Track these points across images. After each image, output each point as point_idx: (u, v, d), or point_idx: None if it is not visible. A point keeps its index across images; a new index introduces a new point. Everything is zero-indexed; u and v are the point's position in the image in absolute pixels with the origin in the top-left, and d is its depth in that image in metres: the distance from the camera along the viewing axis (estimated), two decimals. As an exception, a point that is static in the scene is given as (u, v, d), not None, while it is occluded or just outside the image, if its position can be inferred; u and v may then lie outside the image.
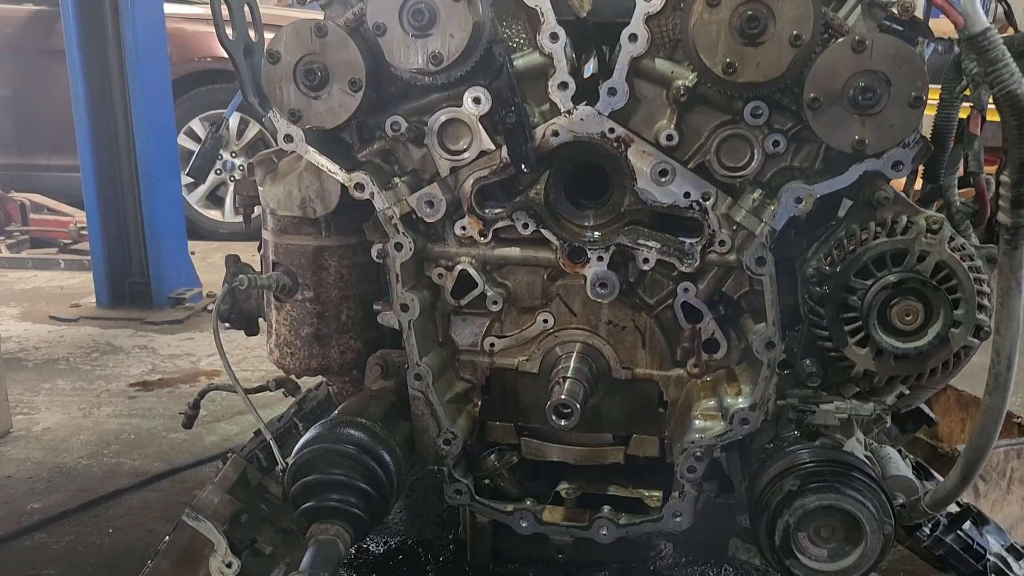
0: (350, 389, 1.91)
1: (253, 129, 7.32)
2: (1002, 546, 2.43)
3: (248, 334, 2.39)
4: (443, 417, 1.61)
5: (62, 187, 7.13)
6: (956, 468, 1.45)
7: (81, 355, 4.82)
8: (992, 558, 2.39)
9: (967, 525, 2.32)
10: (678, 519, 1.57)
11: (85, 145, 5.41)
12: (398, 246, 1.55)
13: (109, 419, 3.96)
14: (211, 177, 7.68)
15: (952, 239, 1.34)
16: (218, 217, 7.67)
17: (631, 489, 1.72)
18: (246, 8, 1.68)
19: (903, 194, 1.39)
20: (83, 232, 6.85)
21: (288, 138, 1.52)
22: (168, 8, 5.60)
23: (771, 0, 1.31)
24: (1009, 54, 1.16)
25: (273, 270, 1.81)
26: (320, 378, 2.57)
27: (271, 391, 2.84)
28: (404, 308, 1.57)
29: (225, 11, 1.58)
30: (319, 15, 1.54)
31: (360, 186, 1.53)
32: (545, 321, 1.65)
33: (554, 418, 1.50)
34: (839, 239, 1.39)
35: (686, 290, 1.57)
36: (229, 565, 1.40)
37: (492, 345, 1.68)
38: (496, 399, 1.73)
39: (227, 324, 2.30)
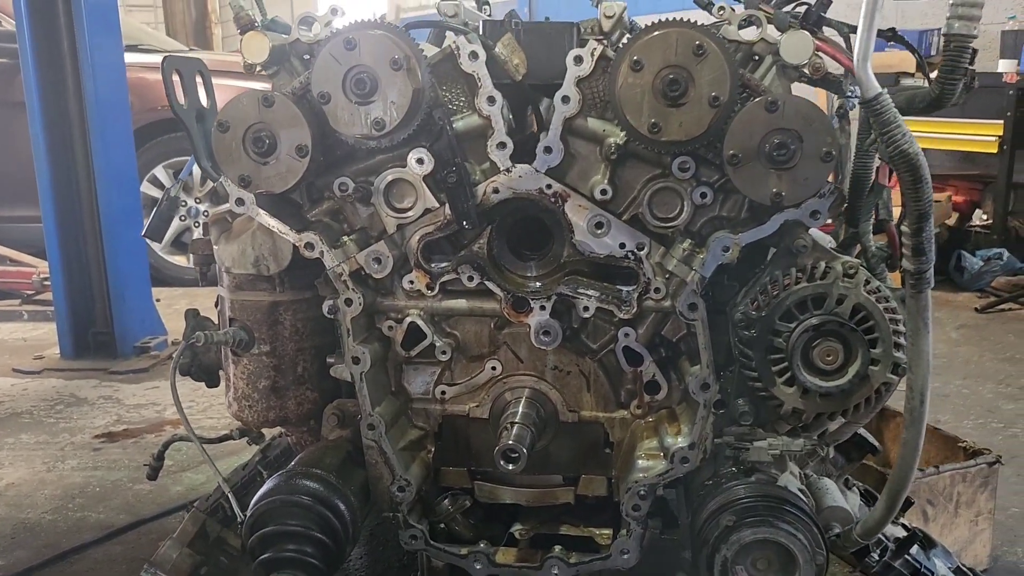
0: (308, 439, 1.96)
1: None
2: (949, 568, 2.52)
3: (209, 386, 2.43)
4: (397, 465, 1.66)
5: (24, 238, 7.11)
6: (882, 499, 1.53)
7: (45, 408, 4.80)
8: (939, 581, 2.47)
9: (914, 549, 2.40)
10: (625, 556, 1.64)
11: (47, 195, 5.42)
12: (348, 302, 1.61)
13: (74, 472, 3.95)
14: (175, 223, 7.70)
15: (868, 282, 1.43)
16: (183, 263, 7.67)
17: (582, 528, 1.78)
18: (197, 76, 1.75)
19: (823, 241, 1.48)
20: (46, 283, 6.82)
21: (240, 201, 1.58)
22: (129, 58, 5.65)
23: (690, 64, 1.40)
24: (899, 116, 1.25)
25: (230, 325, 1.86)
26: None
27: (235, 439, 2.87)
28: (356, 361, 1.63)
29: (176, 79, 1.65)
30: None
31: (310, 246, 1.59)
32: (493, 368, 1.72)
33: (502, 463, 1.55)
34: (764, 284, 1.47)
35: (627, 335, 1.64)
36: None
37: (443, 393, 1.74)
38: (449, 445, 1.78)
39: (188, 376, 2.34)
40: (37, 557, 3.20)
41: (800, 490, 1.54)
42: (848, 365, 1.42)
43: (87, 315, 5.60)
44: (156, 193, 7.33)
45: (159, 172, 7.46)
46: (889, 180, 1.49)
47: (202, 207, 6.80)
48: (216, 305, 1.96)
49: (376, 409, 1.65)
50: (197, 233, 1.91)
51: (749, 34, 1.48)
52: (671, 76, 1.40)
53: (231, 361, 1.89)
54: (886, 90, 1.26)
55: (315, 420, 1.91)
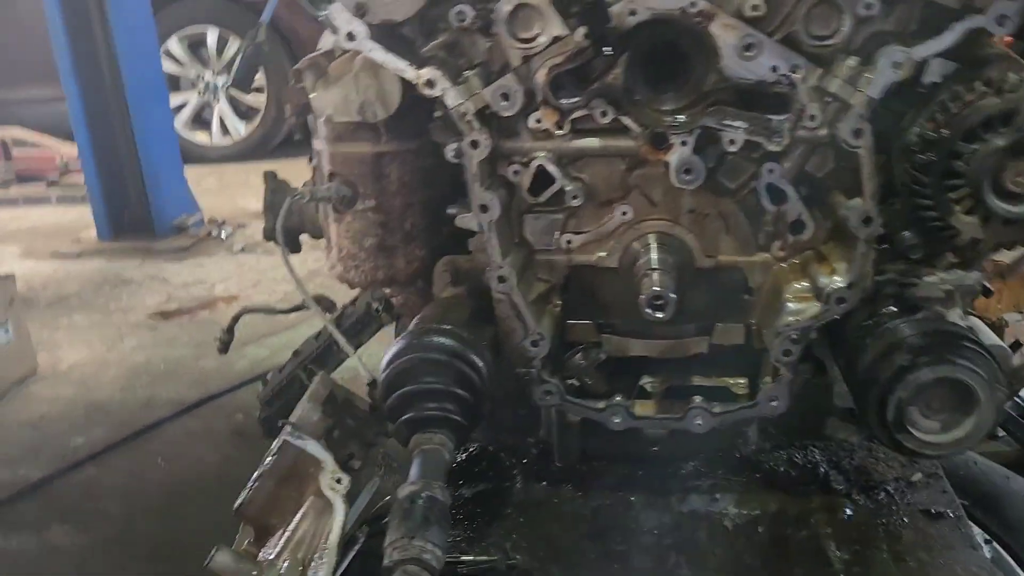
0: (415, 300, 1.87)
1: (233, 46, 7.10)
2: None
3: (291, 251, 2.33)
4: (529, 318, 1.57)
5: (44, 120, 6.92)
6: None
7: (92, 289, 4.75)
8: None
9: (1022, 392, 2.34)
10: (774, 403, 1.56)
11: (68, 73, 5.22)
12: (474, 144, 1.48)
13: (135, 351, 3.94)
14: (195, 99, 7.48)
15: (1064, 94, 1.29)
16: (205, 140, 7.51)
17: (715, 378, 1.71)
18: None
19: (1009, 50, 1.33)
20: (70, 165, 6.69)
21: (351, 36, 1.43)
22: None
23: None
24: None
25: (330, 180, 1.74)
26: (355, 293, 2.53)
27: (307, 309, 2.80)
28: (484, 209, 1.51)
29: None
30: None
31: (431, 82, 1.45)
32: (624, 214, 1.60)
33: (649, 311, 1.46)
34: (942, 102, 1.33)
35: (771, 171, 1.51)
36: (339, 481, 1.38)
37: (569, 242, 1.63)
38: (575, 298, 1.69)
39: (272, 241, 2.24)
40: (116, 434, 3.21)
41: (968, 327, 1.45)
42: (1047, 183, 1.29)
43: (121, 196, 5.49)
44: (171, 68, 7.08)
45: (172, 44, 7.18)
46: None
47: (220, 81, 6.63)
48: (310, 160, 1.84)
49: (506, 259, 1.55)
50: (291, 83, 1.76)
51: None
52: None
53: (332, 220, 1.77)
54: None
55: (424, 279, 1.82)
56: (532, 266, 1.67)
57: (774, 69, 1.42)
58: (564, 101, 1.50)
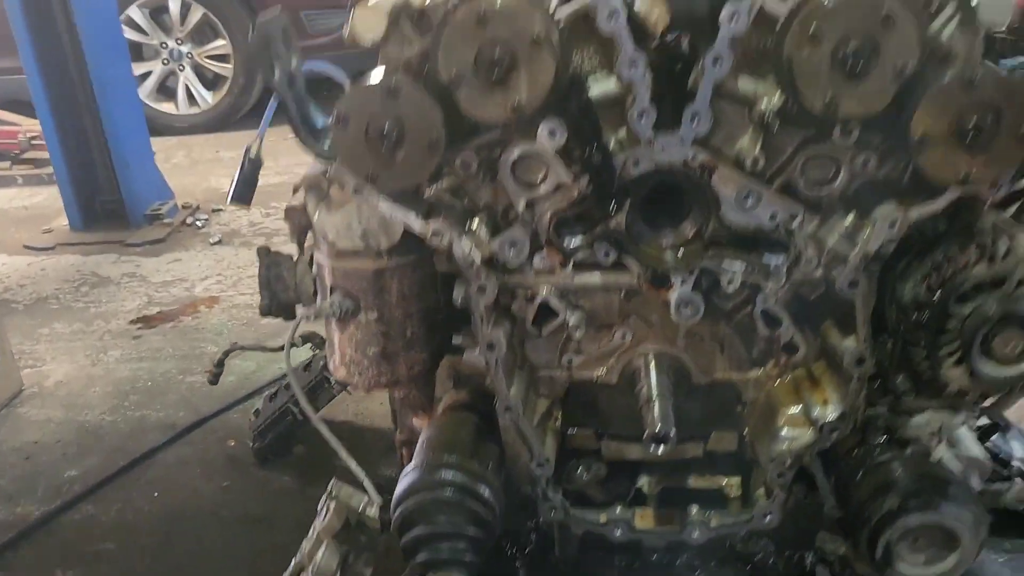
0: (417, 396, 1.91)
1: (197, 13, 6.92)
2: (1025, 450, 2.57)
3: (287, 320, 2.36)
4: (536, 444, 1.63)
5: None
6: None
7: (70, 290, 4.70)
8: (1017, 463, 2.54)
9: (995, 436, 2.45)
10: (767, 518, 1.64)
11: (27, 49, 5.06)
12: (481, 289, 1.51)
13: (119, 365, 3.93)
14: (159, 67, 7.29)
15: (1051, 260, 1.35)
16: (171, 110, 7.35)
17: (709, 478, 1.78)
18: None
19: (1004, 215, 1.38)
20: (34, 141, 6.53)
21: (358, 190, 1.45)
22: None
23: (876, 33, 1.24)
24: None
25: (331, 293, 1.76)
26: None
27: (298, 347, 2.85)
28: (491, 347, 1.55)
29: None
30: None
31: (438, 233, 1.47)
32: (623, 336, 1.65)
33: (652, 446, 1.52)
34: (938, 262, 1.39)
35: (765, 299, 1.57)
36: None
37: (570, 362, 1.68)
38: (575, 409, 1.75)
39: (269, 316, 2.26)
40: (109, 464, 3.24)
41: (953, 456, 1.53)
42: (1029, 350, 1.36)
43: (91, 183, 5.40)
44: (133, 36, 6.88)
45: (133, 12, 6.98)
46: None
47: (185, 48, 6.45)
48: (310, 263, 1.86)
49: (511, 391, 1.59)
50: (292, 200, 1.77)
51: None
52: (854, 47, 1.24)
53: (336, 327, 1.80)
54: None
55: (426, 379, 1.86)
56: (535, 383, 1.72)
57: (772, 217, 1.46)
58: (568, 241, 1.53)
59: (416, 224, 1.47)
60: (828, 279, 1.48)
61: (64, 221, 5.47)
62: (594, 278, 1.57)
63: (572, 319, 1.60)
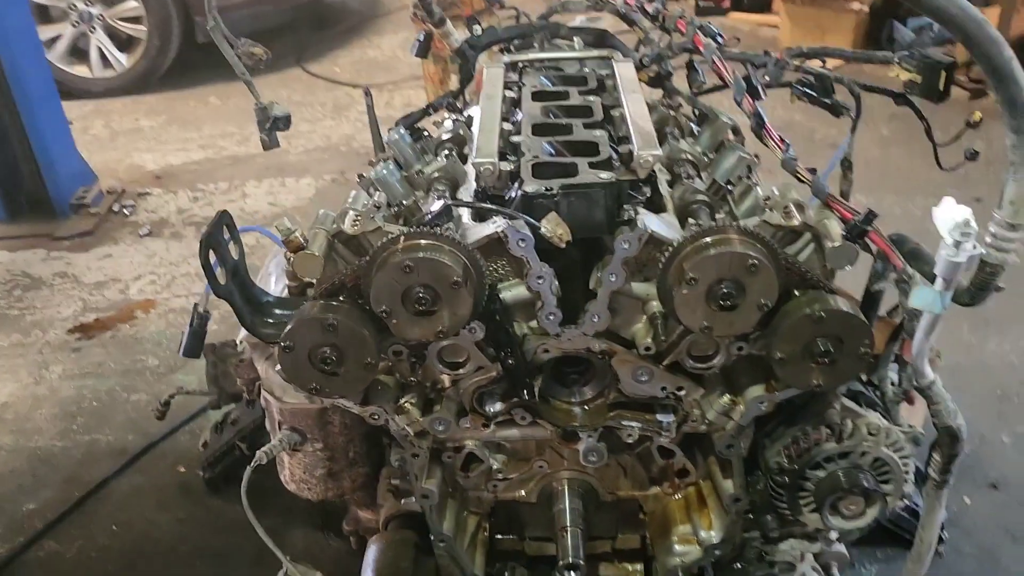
0: (362, 496, 2.15)
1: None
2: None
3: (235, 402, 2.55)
4: (466, 565, 1.90)
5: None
6: None
7: (3, 294, 4.75)
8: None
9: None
10: (664, 614, 1.96)
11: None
12: (415, 455, 1.74)
13: (63, 383, 4.07)
14: (69, 30, 7.06)
15: (887, 435, 1.63)
16: (85, 73, 7.17)
17: (618, 566, 2.08)
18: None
19: (848, 401, 1.65)
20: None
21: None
22: None
23: (742, 277, 1.47)
24: (947, 398, 1.39)
25: (279, 429, 1.97)
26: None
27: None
28: (426, 497, 1.80)
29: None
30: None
31: (375, 416, 1.69)
32: (540, 466, 1.91)
33: (566, 574, 1.80)
34: (796, 436, 1.66)
35: (670, 439, 1.83)
36: None
37: (495, 486, 1.94)
38: (501, 521, 2.02)
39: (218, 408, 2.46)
40: (64, 496, 3.43)
41: (814, 568, 1.85)
42: (868, 508, 1.66)
43: (12, 174, 5.35)
44: (40, -1, 6.65)
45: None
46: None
47: (95, 10, 6.34)
48: (258, 397, 2.05)
49: (444, 526, 1.85)
50: (241, 357, 1.95)
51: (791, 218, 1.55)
52: (724, 290, 1.47)
53: (286, 454, 2.02)
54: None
55: (369, 486, 2.10)
56: (466, 502, 1.97)
57: (663, 389, 1.71)
58: (489, 408, 1.76)
59: (356, 410, 1.68)
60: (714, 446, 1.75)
61: (-11, 214, 5.42)
62: (513, 433, 1.81)
63: (495, 463, 1.85)
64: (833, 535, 1.86)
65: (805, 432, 1.66)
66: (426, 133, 2.14)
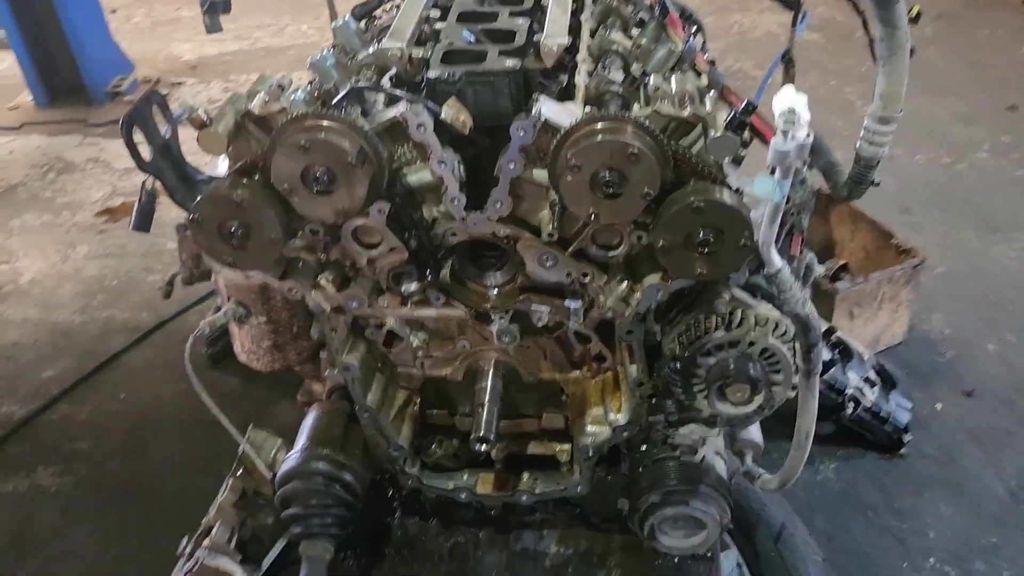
0: (312, 368, 2.28)
1: None
2: (861, 378, 3.00)
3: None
4: (391, 435, 2.02)
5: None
6: (789, 458, 1.87)
7: (37, 177, 4.99)
8: (850, 390, 2.97)
9: (833, 369, 2.86)
10: (578, 488, 2.07)
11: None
12: (333, 330, 1.85)
13: (87, 262, 4.30)
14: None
15: (777, 326, 1.67)
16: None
17: (546, 444, 2.18)
18: (155, 110, 1.80)
19: (740, 292, 1.69)
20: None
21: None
22: None
23: (624, 167, 1.50)
24: (795, 286, 1.42)
25: (228, 300, 2.10)
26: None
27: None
28: (347, 369, 1.91)
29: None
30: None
31: (292, 290, 1.79)
32: (463, 346, 2.00)
33: (476, 446, 1.91)
34: (689, 324, 1.71)
35: (575, 323, 1.91)
36: (246, 585, 1.90)
37: (422, 364, 2.04)
38: (431, 396, 2.13)
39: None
40: (80, 366, 3.68)
41: (717, 452, 1.93)
42: (755, 396, 1.72)
43: (49, 59, 5.52)
44: None
45: None
46: (800, 250, 1.66)
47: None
48: (211, 279, 2.17)
49: (368, 398, 1.97)
50: (185, 236, 2.07)
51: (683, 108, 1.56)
52: (606, 178, 1.51)
53: (235, 325, 2.15)
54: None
55: (316, 360, 2.23)
56: (395, 377, 2.08)
57: (568, 275, 1.78)
58: (405, 288, 1.85)
59: (275, 284, 1.78)
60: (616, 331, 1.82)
61: (29, 97, 5.64)
62: (430, 312, 1.90)
63: (416, 340, 1.95)
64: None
65: (698, 321, 1.71)
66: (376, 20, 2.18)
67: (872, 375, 3.00)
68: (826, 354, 2.91)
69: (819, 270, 3.50)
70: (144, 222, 2.11)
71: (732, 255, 1.57)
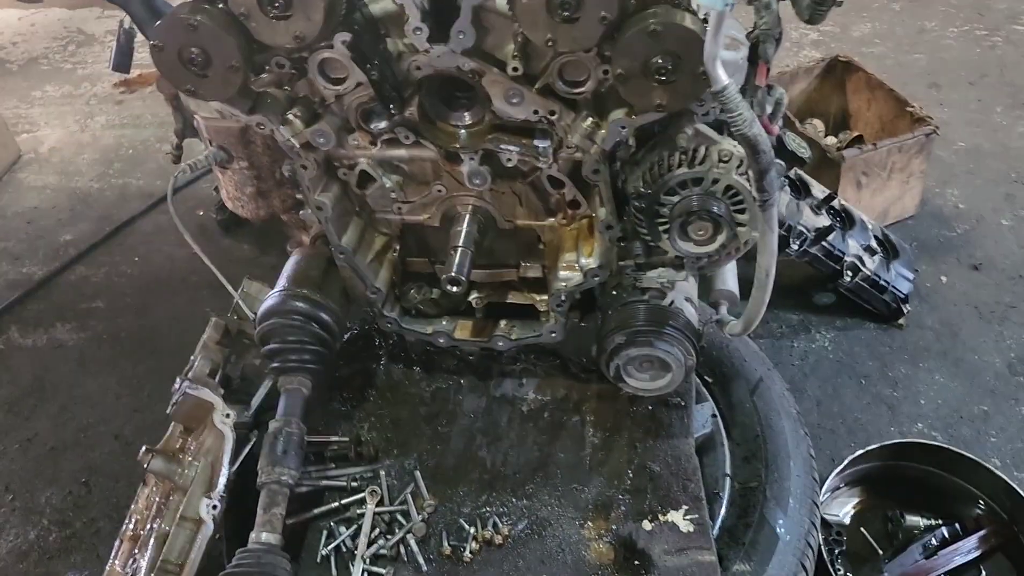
0: (297, 219, 2.31)
1: None
2: (861, 246, 2.97)
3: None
4: (368, 277, 2.05)
5: None
6: (750, 302, 1.86)
7: (58, 49, 5.02)
8: (850, 258, 2.94)
9: (832, 236, 2.83)
10: (553, 335, 2.09)
11: None
12: (303, 167, 1.86)
13: (105, 131, 4.35)
14: None
15: (740, 164, 1.65)
16: None
17: (525, 294, 2.21)
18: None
19: (704, 127, 1.66)
20: None
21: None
22: None
23: (580, -13, 1.47)
24: (742, 104, 1.37)
25: (210, 145, 2.12)
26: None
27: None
28: (319, 208, 1.93)
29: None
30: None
31: (261, 125, 1.80)
32: (439, 190, 2.01)
33: (448, 287, 1.93)
34: (652, 163, 1.70)
35: (548, 167, 1.89)
36: (227, 416, 1.97)
37: (400, 208, 2.05)
38: (410, 243, 2.15)
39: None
40: (97, 229, 3.77)
41: (687, 299, 1.93)
42: (717, 235, 1.71)
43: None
44: None
45: None
46: (764, 79, 1.61)
47: None
48: (195, 124, 2.19)
49: (343, 239, 1.99)
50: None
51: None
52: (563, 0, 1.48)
53: (219, 171, 2.17)
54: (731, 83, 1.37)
55: (301, 208, 2.26)
56: (374, 223, 2.10)
57: (535, 112, 1.76)
58: (374, 126, 1.84)
59: (244, 119, 1.79)
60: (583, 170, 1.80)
61: (51, -31, 5.61)
62: (400, 152, 1.90)
63: (389, 183, 1.95)
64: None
65: (661, 158, 1.69)
66: None
67: (874, 243, 2.95)
68: (825, 220, 2.87)
69: (829, 141, 3.42)
70: (122, 62, 2.12)
71: (691, 83, 1.54)
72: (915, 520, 2.47)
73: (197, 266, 3.56)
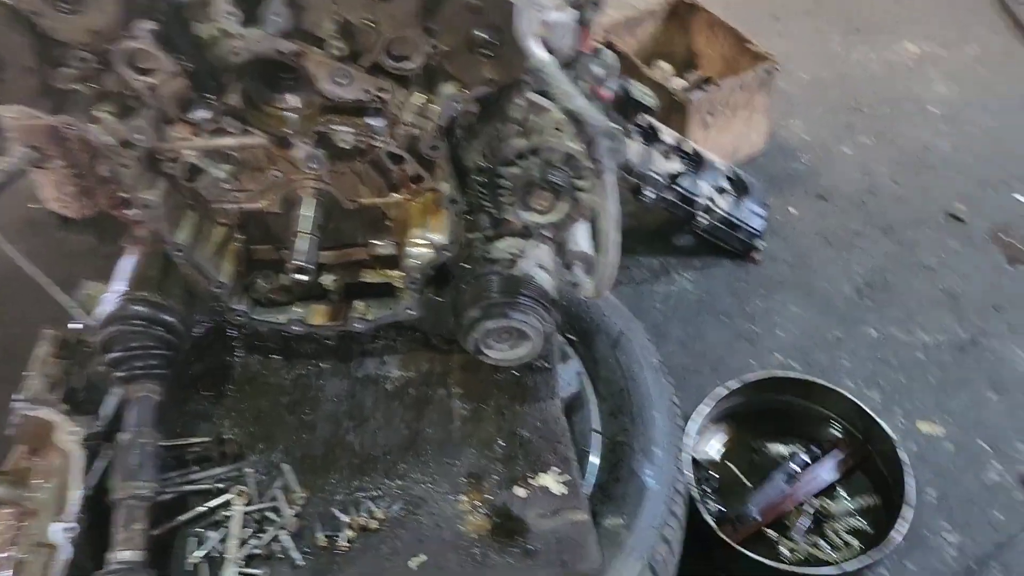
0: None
1: None
2: (712, 187, 3.03)
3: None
4: (210, 272, 1.96)
5: None
6: (599, 260, 1.86)
7: None
8: (702, 200, 3.00)
9: (683, 180, 2.88)
10: (410, 312, 2.06)
11: None
12: (124, 166, 1.75)
13: None
14: None
15: (578, 129, 1.63)
16: None
17: (379, 271, 2.16)
18: None
19: (536, 96, 1.64)
20: None
21: None
22: None
23: (390, -37, 1.41)
24: (562, 75, 1.36)
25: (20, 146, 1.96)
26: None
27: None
28: (147, 207, 1.82)
29: None
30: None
31: (69, 126, 1.68)
32: (276, 176, 1.92)
33: (294, 275, 1.87)
34: (490, 136, 1.67)
35: (386, 143, 1.84)
36: (72, 432, 1.86)
37: (236, 197, 1.96)
38: (253, 231, 2.06)
39: None
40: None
41: (540, 265, 1.92)
42: (559, 203, 1.70)
43: None
44: None
45: None
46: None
47: None
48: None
49: (178, 235, 1.89)
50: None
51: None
52: (377, -20, 1.42)
53: (38, 172, 2.02)
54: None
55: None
56: (210, 214, 2.00)
57: (366, 91, 1.69)
58: (196, 115, 1.74)
59: (49, 119, 1.66)
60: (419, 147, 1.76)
61: None
62: (228, 141, 1.80)
63: (221, 173, 1.86)
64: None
65: (496, 130, 1.66)
66: None
67: (724, 183, 3.02)
68: (676, 165, 2.92)
69: (676, 83, 3.46)
70: None
71: (519, 55, 1.50)
72: (778, 448, 2.59)
73: (41, 263, 3.38)
